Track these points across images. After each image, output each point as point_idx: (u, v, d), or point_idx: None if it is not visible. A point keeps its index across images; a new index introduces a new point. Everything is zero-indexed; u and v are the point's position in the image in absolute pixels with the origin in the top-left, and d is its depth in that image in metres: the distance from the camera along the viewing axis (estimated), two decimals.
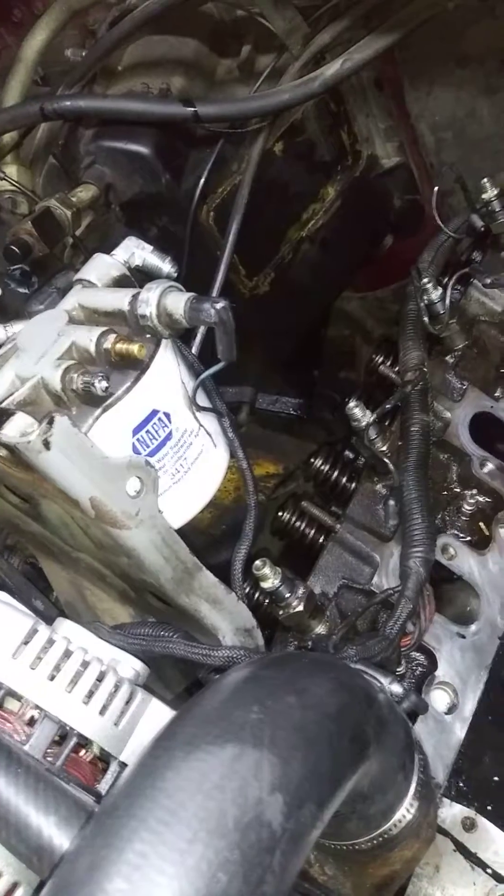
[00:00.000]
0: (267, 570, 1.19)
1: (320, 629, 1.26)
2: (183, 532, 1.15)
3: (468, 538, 1.41)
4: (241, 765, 0.66)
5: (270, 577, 1.19)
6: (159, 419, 1.11)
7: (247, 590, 1.28)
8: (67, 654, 0.93)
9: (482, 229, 1.60)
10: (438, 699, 1.22)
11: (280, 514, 1.48)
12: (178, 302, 1.05)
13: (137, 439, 1.09)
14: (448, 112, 1.92)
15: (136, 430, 1.08)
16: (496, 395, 1.54)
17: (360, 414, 1.36)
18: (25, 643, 0.92)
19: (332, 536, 1.38)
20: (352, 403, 1.37)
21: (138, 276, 1.23)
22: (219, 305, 1.03)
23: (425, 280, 1.50)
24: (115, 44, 1.61)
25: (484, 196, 1.55)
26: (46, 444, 0.95)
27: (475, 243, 1.66)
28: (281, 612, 1.22)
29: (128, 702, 0.95)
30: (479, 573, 1.33)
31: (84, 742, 0.91)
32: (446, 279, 1.55)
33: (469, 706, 1.22)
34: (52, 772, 0.82)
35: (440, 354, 1.57)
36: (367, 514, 1.40)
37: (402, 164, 1.99)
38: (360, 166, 1.91)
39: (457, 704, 1.22)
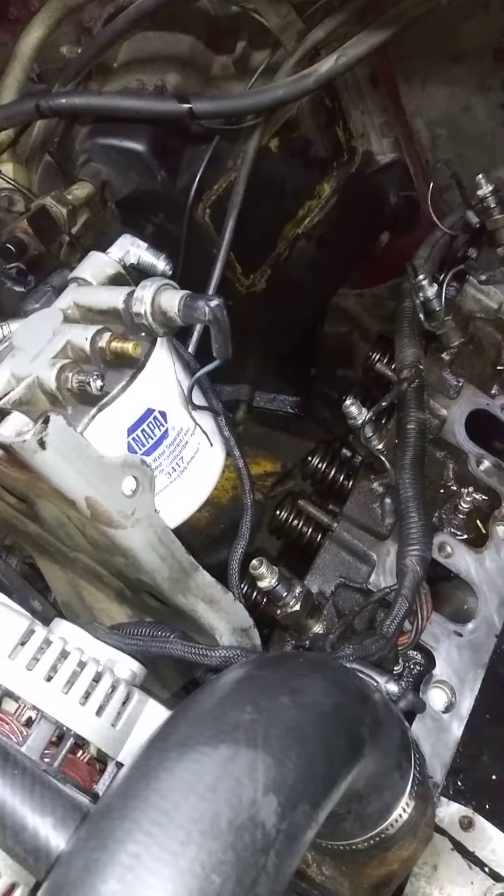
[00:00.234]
0: (264, 570, 1.19)
1: (318, 628, 1.26)
2: (179, 531, 1.15)
3: (465, 536, 1.41)
4: (235, 765, 0.65)
5: (267, 577, 1.19)
6: (155, 418, 1.10)
7: (244, 589, 1.28)
8: (64, 654, 0.93)
9: (477, 226, 1.59)
10: (436, 698, 1.22)
11: (278, 512, 1.48)
12: (172, 300, 1.05)
13: (133, 438, 1.08)
14: (443, 108, 1.92)
15: (132, 430, 1.08)
16: (492, 392, 1.54)
17: (357, 412, 1.36)
18: (22, 644, 0.92)
19: (329, 535, 1.37)
20: (348, 401, 1.37)
21: (134, 274, 1.23)
22: (213, 303, 1.03)
23: (421, 277, 1.50)
24: (110, 41, 1.60)
25: (479, 192, 1.54)
26: (42, 444, 0.95)
27: (471, 240, 1.65)
28: (278, 612, 1.22)
29: (125, 702, 0.95)
30: (476, 571, 1.33)
31: (81, 743, 0.91)
32: (442, 276, 1.55)
33: (466, 705, 1.22)
34: (49, 773, 0.82)
35: (436, 351, 1.57)
36: (364, 512, 1.40)
37: (398, 161, 1.98)
38: (356, 163, 1.90)
39: (454, 703, 1.21)
